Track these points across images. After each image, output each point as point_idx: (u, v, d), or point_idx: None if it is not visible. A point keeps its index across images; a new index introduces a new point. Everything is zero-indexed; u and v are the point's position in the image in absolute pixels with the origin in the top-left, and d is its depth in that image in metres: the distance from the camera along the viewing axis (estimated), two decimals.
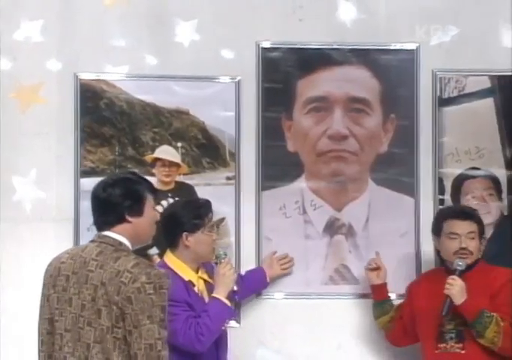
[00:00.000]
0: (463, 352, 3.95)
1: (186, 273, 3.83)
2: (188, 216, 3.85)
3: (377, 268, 4.25)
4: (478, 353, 3.93)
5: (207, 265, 3.97)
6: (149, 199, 3.20)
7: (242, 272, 4.27)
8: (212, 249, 3.90)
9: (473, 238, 4.03)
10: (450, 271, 4.04)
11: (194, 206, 3.92)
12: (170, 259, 3.86)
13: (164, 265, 3.78)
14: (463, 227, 4.03)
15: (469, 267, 4.01)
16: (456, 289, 3.90)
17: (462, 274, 3.95)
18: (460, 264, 3.98)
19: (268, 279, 4.28)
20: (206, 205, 3.93)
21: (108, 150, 4.37)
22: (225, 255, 3.92)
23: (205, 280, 3.91)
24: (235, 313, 3.92)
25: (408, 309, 4.15)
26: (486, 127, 4.46)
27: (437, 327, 4.00)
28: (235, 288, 3.85)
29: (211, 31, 4.40)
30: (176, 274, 3.76)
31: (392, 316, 4.20)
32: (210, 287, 3.89)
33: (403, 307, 4.19)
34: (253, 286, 4.26)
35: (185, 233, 3.82)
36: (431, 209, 4.41)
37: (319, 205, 4.41)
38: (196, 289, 3.85)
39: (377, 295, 4.25)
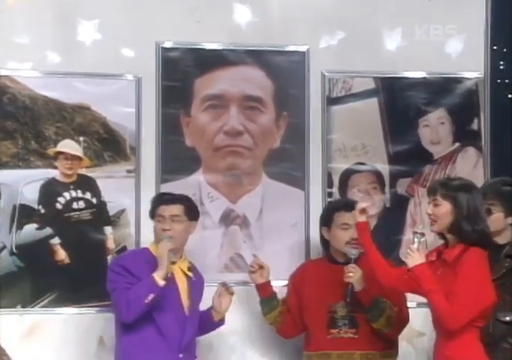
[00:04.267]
0: (356, 336, 4.16)
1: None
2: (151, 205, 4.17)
3: (260, 268, 4.31)
4: (369, 337, 4.15)
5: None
6: None
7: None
8: (159, 236, 4.06)
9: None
10: (334, 261, 4.24)
11: (154, 197, 4.20)
12: (152, 243, 4.13)
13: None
14: (353, 219, 4.16)
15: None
16: (356, 276, 4.08)
17: (357, 261, 4.12)
18: (354, 253, 4.15)
19: (216, 319, 4.19)
20: (159, 197, 4.17)
21: (11, 143, 4.42)
22: (166, 239, 3.98)
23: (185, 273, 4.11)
24: (160, 291, 3.91)
25: (295, 299, 4.30)
26: (371, 125, 4.68)
27: (327, 313, 4.19)
28: (174, 259, 3.98)
29: (112, 31, 4.51)
30: (151, 253, 4.05)
31: (280, 310, 4.31)
32: (190, 282, 4.11)
33: (289, 300, 4.33)
34: (203, 329, 4.24)
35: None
36: (320, 201, 4.62)
37: (215, 197, 4.57)
38: None
39: (263, 292, 4.32)
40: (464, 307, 3.57)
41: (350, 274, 4.08)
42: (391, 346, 4.23)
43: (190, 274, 4.15)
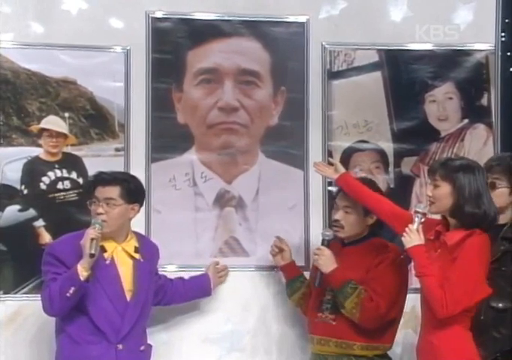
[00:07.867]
0: (334, 323, 3.98)
1: (103, 240, 3.79)
2: None
3: (281, 251, 4.29)
4: (346, 326, 3.94)
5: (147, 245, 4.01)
6: None
7: (186, 277, 4.23)
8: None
9: (347, 213, 4.04)
10: (344, 243, 4.09)
11: (92, 176, 3.99)
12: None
13: None
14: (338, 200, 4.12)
15: (358, 241, 4.05)
16: (322, 259, 3.95)
17: (329, 243, 4.00)
18: (327, 234, 4.04)
19: (212, 287, 4.26)
20: (96, 176, 3.90)
21: None
22: (97, 225, 3.73)
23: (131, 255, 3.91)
24: (79, 283, 3.68)
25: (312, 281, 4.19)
26: (374, 100, 4.54)
27: (319, 296, 4.07)
28: (92, 251, 3.66)
29: (100, 0, 4.35)
30: None
31: (303, 292, 4.23)
32: (137, 265, 3.88)
33: (310, 282, 4.21)
34: (195, 293, 4.22)
35: None
36: (320, 182, 4.47)
37: (209, 177, 4.42)
38: (106, 254, 3.83)
39: (286, 274, 4.30)
40: (457, 297, 3.52)
41: (316, 257, 3.97)
42: (375, 338, 3.96)
43: (136, 255, 3.91)
